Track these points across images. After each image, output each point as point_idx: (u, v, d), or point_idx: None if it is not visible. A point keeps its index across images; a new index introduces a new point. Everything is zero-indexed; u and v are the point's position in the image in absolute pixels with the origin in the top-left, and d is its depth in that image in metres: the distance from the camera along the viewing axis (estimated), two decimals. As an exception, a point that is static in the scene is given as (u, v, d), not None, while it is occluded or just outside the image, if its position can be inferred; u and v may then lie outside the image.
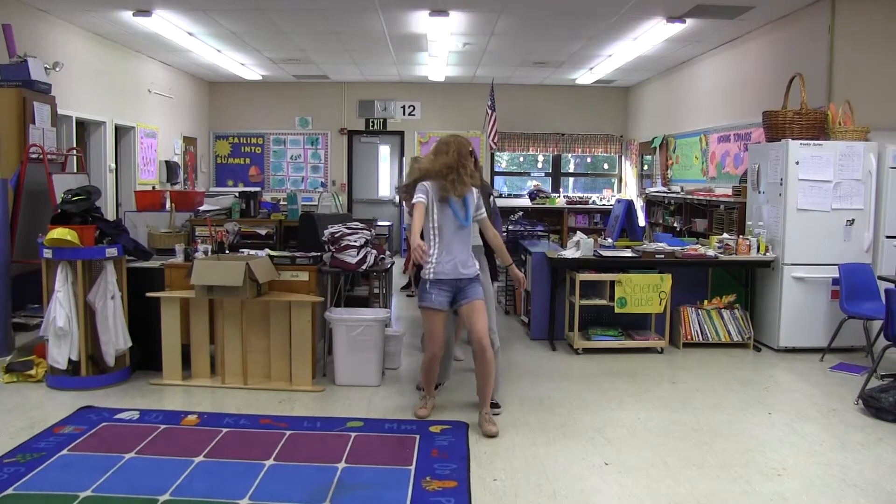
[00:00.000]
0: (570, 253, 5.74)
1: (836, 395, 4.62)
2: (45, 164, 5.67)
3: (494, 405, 4.16)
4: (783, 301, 5.69)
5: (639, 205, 10.24)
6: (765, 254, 5.79)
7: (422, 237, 3.87)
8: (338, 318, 4.62)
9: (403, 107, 12.12)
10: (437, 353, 4.02)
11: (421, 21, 7.43)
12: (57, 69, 6.89)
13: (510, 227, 7.26)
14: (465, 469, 3.32)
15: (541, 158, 12.68)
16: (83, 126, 8.16)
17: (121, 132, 8.99)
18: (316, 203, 10.61)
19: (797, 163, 5.60)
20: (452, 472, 3.28)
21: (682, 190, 8.84)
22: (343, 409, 4.23)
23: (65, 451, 3.48)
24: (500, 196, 11.38)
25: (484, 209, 4.03)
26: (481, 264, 4.31)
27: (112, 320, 4.48)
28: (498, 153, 12.22)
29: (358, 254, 4.77)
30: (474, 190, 3.96)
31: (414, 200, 3.85)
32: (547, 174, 12.55)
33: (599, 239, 6.15)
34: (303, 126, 12.14)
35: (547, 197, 11.38)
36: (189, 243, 5.20)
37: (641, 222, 9.09)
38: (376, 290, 5.87)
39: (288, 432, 3.79)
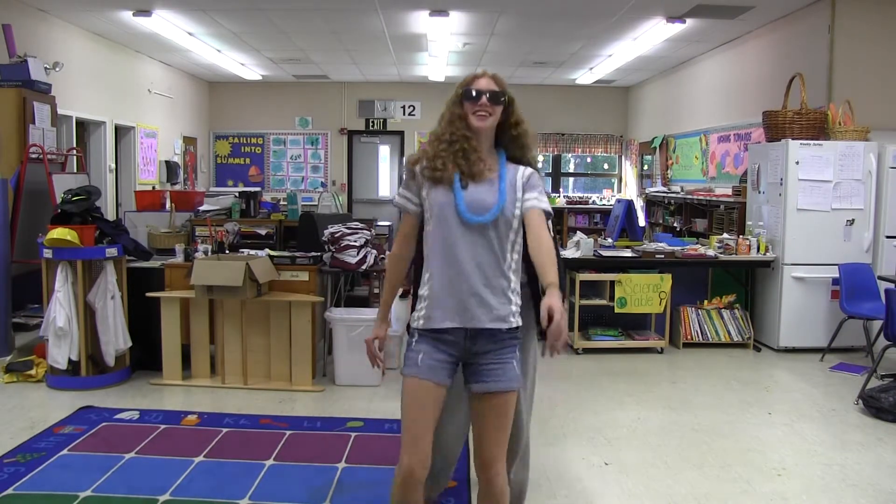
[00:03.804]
0: (570, 253, 5.74)
1: (836, 395, 4.62)
2: (45, 164, 5.67)
3: None
4: (783, 301, 5.69)
5: (639, 205, 10.24)
6: (765, 254, 5.79)
7: (414, 289, 2.34)
8: (338, 318, 4.62)
9: (403, 107, 12.12)
10: (416, 472, 2.11)
11: (421, 21, 7.42)
12: (57, 69, 6.89)
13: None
14: (465, 469, 3.32)
15: (541, 158, 12.67)
16: (83, 126, 8.15)
17: (121, 132, 8.98)
18: (316, 203, 10.61)
19: (797, 163, 5.60)
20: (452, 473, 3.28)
21: (682, 190, 8.84)
22: (343, 409, 4.23)
23: (65, 451, 3.48)
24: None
25: (536, 193, 2.24)
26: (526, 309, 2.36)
27: (112, 320, 4.48)
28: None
29: (358, 254, 4.77)
30: (519, 169, 2.26)
31: (395, 202, 2.34)
32: (547, 174, 12.54)
33: (599, 239, 6.15)
34: (303, 126, 12.14)
35: (547, 197, 11.36)
36: (189, 243, 5.20)
37: (641, 222, 9.08)
38: (376, 290, 5.87)
39: (288, 432, 3.79)
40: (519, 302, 2.20)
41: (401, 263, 2.36)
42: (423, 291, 2.20)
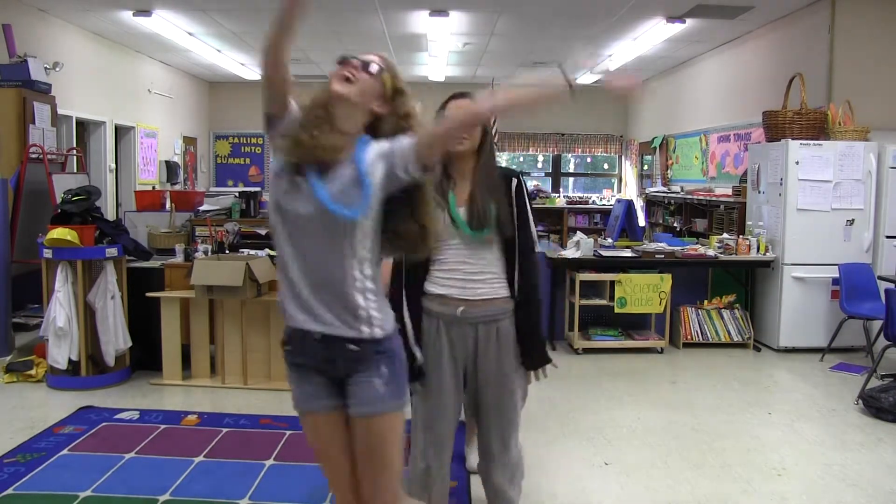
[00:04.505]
0: (570, 253, 5.74)
1: (836, 395, 4.62)
2: (45, 164, 5.67)
3: None
4: (783, 301, 5.69)
5: (639, 205, 10.24)
6: (765, 254, 5.79)
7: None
8: (338, 318, 4.61)
9: (403, 107, 12.10)
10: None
11: (421, 21, 7.42)
12: (57, 69, 6.89)
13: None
14: (464, 469, 3.32)
15: (541, 158, 12.68)
16: (83, 126, 8.16)
17: (121, 132, 8.98)
18: (316, 203, 10.56)
19: (797, 163, 5.60)
20: (452, 472, 3.28)
21: (682, 190, 8.85)
22: (343, 409, 4.22)
23: (65, 451, 3.48)
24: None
25: (404, 145, 1.79)
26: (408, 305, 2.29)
27: (112, 320, 4.48)
28: (498, 153, 12.22)
29: (358, 254, 4.76)
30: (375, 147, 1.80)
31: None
32: (547, 174, 12.55)
33: (599, 239, 6.15)
34: (303, 126, 12.12)
35: (547, 197, 11.38)
36: (189, 243, 5.20)
37: (641, 222, 9.09)
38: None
39: (288, 432, 3.79)
40: (376, 305, 1.83)
41: None
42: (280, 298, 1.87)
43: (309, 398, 1.90)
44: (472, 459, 3.12)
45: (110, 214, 8.13)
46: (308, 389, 1.90)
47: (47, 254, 4.41)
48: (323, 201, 1.73)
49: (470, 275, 2.26)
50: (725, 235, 6.13)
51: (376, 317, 1.83)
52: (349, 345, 1.81)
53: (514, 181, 2.34)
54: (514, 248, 2.30)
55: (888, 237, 5.65)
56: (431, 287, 2.30)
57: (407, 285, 2.30)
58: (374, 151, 1.79)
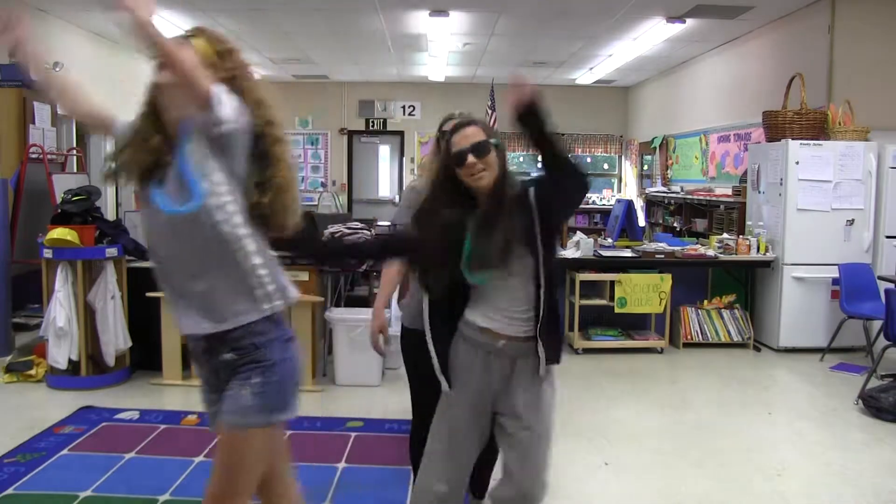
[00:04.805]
0: (570, 253, 5.74)
1: (836, 395, 4.62)
2: (45, 164, 5.67)
3: None
4: (783, 301, 5.69)
5: (639, 205, 10.24)
6: (765, 254, 5.79)
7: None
8: (338, 318, 4.62)
9: (403, 107, 12.12)
10: None
11: (421, 21, 7.42)
12: (57, 69, 6.89)
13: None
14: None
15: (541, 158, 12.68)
16: (83, 126, 8.15)
17: (121, 132, 8.97)
18: (316, 203, 10.61)
19: (797, 163, 5.60)
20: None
21: (682, 190, 8.85)
22: (343, 409, 4.23)
23: (65, 451, 3.48)
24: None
25: (224, 122, 1.69)
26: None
27: (112, 320, 4.48)
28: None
29: (358, 254, 4.77)
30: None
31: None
32: (547, 174, 12.54)
33: (599, 239, 6.15)
34: (303, 126, 12.14)
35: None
36: (189, 243, 5.21)
37: (641, 222, 9.08)
38: (376, 290, 5.87)
39: (288, 432, 3.78)
40: (270, 278, 1.80)
41: None
42: None
43: (213, 417, 1.91)
44: None
45: (110, 214, 8.12)
46: (212, 410, 1.89)
47: (47, 254, 4.41)
48: (161, 206, 1.71)
49: (517, 312, 2.14)
50: (725, 235, 6.13)
51: (272, 288, 1.79)
52: (225, 354, 1.76)
53: (532, 191, 2.07)
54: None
55: (888, 237, 5.65)
56: (476, 318, 2.16)
57: (436, 316, 2.16)
58: (193, 130, 1.72)
